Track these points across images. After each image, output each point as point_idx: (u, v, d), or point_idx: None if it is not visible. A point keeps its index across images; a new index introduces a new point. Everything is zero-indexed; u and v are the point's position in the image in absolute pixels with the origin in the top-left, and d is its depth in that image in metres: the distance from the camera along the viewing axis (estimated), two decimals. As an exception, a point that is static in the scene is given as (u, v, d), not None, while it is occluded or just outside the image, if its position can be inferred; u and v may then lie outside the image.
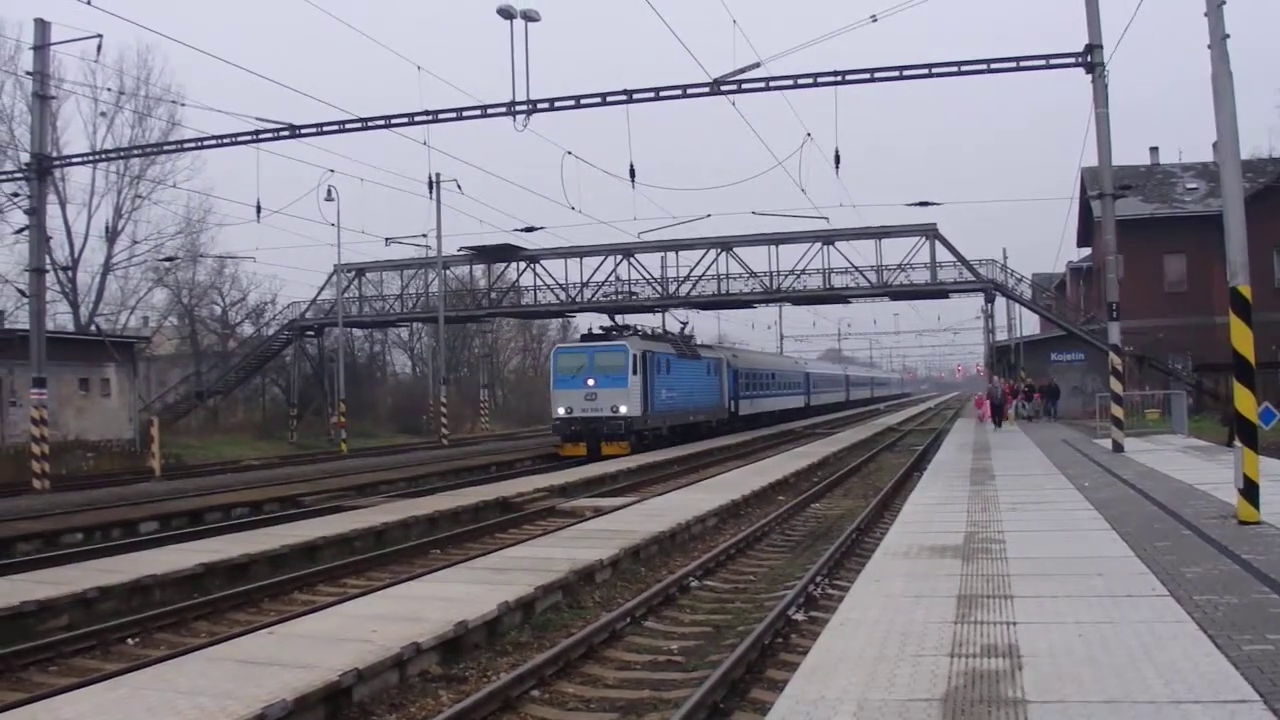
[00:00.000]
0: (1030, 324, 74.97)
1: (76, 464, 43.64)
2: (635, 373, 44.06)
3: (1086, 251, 72.54)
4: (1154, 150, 65.26)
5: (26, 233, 38.33)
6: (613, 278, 61.55)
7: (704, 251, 59.73)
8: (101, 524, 24.78)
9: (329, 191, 47.82)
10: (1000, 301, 64.34)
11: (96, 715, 9.25)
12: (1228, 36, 16.71)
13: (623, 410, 43.36)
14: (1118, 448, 30.54)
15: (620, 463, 38.76)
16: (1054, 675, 8.34)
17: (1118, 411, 31.10)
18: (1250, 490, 15.40)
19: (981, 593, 11.67)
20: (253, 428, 68.45)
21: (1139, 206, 57.15)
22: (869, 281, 57.72)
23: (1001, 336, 71.04)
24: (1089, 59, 29.61)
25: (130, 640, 14.05)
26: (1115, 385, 30.81)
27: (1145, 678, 8.16)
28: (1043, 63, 30.04)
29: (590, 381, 43.83)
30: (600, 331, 50.58)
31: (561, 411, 44.23)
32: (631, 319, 54.59)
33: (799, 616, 13.88)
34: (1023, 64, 30.16)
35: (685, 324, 61.69)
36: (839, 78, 30.62)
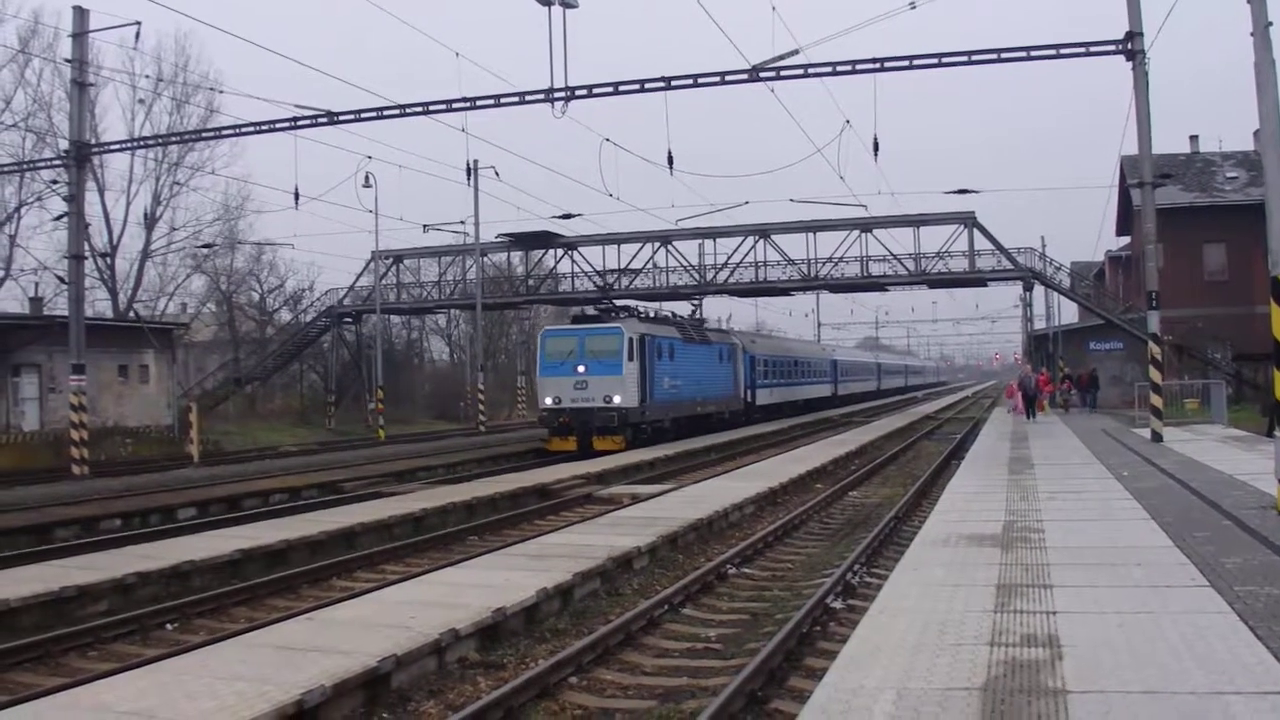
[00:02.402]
0: (1068, 313, 74.55)
1: (115, 450, 43.85)
2: (631, 358, 39.84)
3: (1126, 240, 72.17)
4: (1194, 138, 64.70)
5: (65, 219, 38.57)
6: (650, 265, 61.56)
7: (742, 239, 59.65)
8: (140, 510, 24.95)
9: (367, 178, 47.87)
10: (1039, 290, 64.03)
11: (136, 700, 9.29)
12: (1270, 24, 16.62)
13: (617, 400, 39.27)
14: (1157, 437, 30.39)
15: (653, 450, 38.09)
16: (1094, 665, 8.32)
17: (1157, 401, 30.95)
18: (1291, 480, 15.32)
19: (1021, 582, 11.65)
20: (291, 414, 68.70)
21: (1179, 195, 56.71)
22: (907, 269, 57.58)
23: (1040, 325, 70.67)
24: (1129, 46, 29.42)
25: (169, 625, 14.15)
26: (1154, 375, 30.67)
27: (1186, 668, 8.14)
28: (1082, 50, 29.87)
29: (581, 368, 39.85)
30: (594, 312, 45.67)
31: (549, 401, 40.46)
32: (661, 305, 53.89)
33: (837, 605, 13.88)
34: (1062, 51, 29.99)
35: (696, 307, 59.05)
36: (878, 65, 30.50)
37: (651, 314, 48.74)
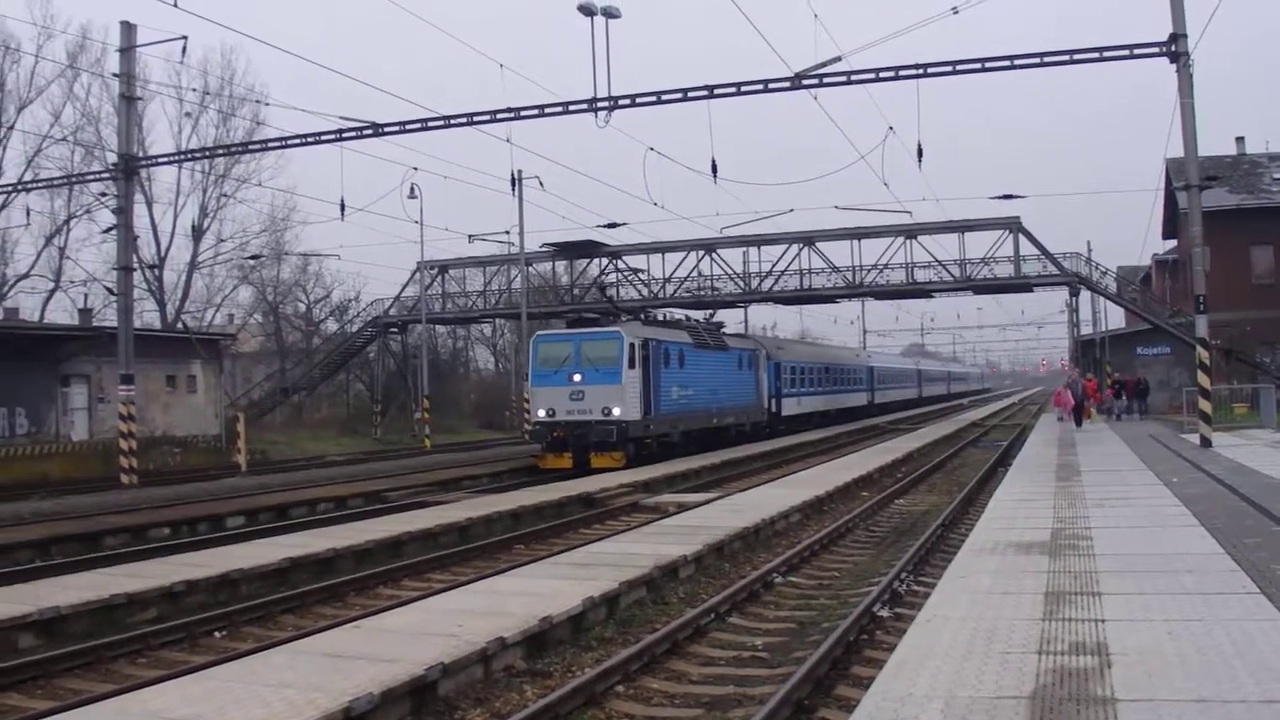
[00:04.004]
0: (1115, 317, 74.20)
1: (163, 459, 44.17)
2: (632, 366, 36.00)
3: (1172, 243, 71.69)
4: (1240, 140, 64.18)
5: (114, 232, 38.88)
6: (695, 273, 61.63)
7: (786, 246, 59.80)
8: (188, 518, 25.13)
9: (412, 189, 48.03)
10: (1085, 295, 63.68)
11: (184, 707, 9.34)
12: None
13: (616, 413, 35.33)
14: (1205, 443, 30.16)
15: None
16: (1143, 673, 8.28)
17: (1205, 406, 30.72)
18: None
19: (1069, 589, 11.59)
20: (337, 423, 69.07)
21: (1225, 197, 56.21)
22: (952, 275, 57.54)
23: (1086, 330, 70.32)
24: (1173, 48, 29.20)
25: (217, 633, 14.20)
26: (1203, 379, 30.44)
27: (1237, 676, 8.08)
28: (1126, 53, 29.67)
29: (576, 377, 35.91)
30: (592, 316, 42.05)
31: (541, 414, 36.46)
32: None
33: (884, 613, 13.83)
34: (1105, 54, 29.79)
35: (711, 314, 55.55)
36: (921, 70, 30.41)
37: (660, 317, 46.44)
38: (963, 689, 8.13)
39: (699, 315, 51.64)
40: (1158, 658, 8.69)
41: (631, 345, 36.15)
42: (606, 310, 42.41)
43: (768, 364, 53.02)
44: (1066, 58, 30.17)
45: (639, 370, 36.43)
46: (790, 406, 56.97)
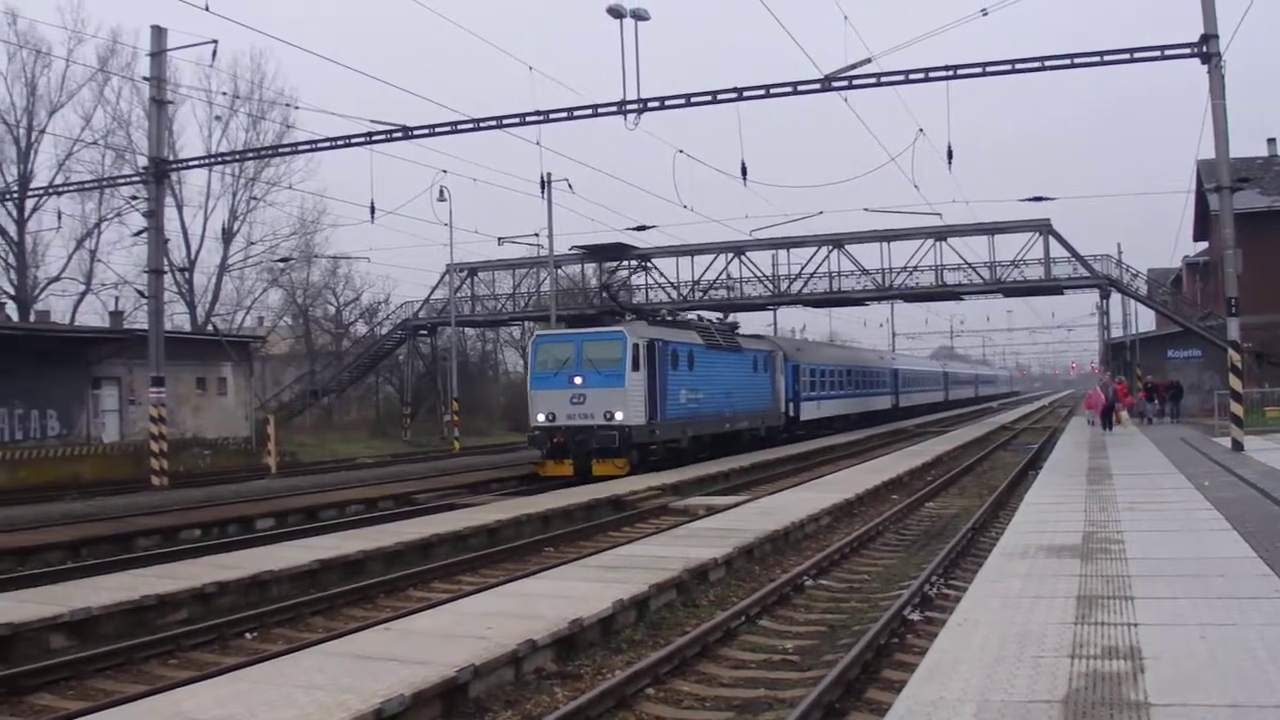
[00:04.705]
0: (1146, 320, 73.85)
1: (194, 461, 44.41)
2: (637, 368, 34.01)
3: (1203, 246, 71.36)
4: (1271, 141, 63.78)
5: (145, 235, 39.05)
6: (724, 276, 61.63)
7: (815, 249, 59.72)
8: (219, 520, 25.27)
9: (441, 192, 48.18)
10: (1115, 297, 63.45)
11: (216, 708, 9.37)
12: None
13: (619, 417, 33.29)
14: (1237, 446, 30.02)
15: (727, 461, 37.17)
16: (1176, 678, 8.25)
17: (1237, 409, 30.57)
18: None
19: (1101, 593, 11.56)
20: (366, 426, 69.30)
21: (1256, 199, 55.92)
22: (982, 278, 57.42)
23: (1117, 333, 70.05)
24: (1204, 49, 29.06)
25: (248, 635, 14.24)
26: (1235, 382, 30.29)
27: (1271, 681, 8.05)
28: (1157, 54, 29.54)
29: (577, 380, 33.92)
30: (595, 315, 40.78)
31: (541, 419, 34.55)
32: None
33: (914, 616, 13.79)
34: (1136, 55, 29.67)
35: (724, 315, 53.07)
36: (950, 72, 30.35)
37: (668, 317, 44.16)
38: (995, 693, 8.11)
39: (716, 317, 49.87)
40: (1190, 662, 8.66)
41: (635, 346, 34.18)
42: (616, 310, 40.51)
43: (785, 366, 51.28)
44: (1097, 59, 30.09)
45: (644, 372, 34.47)
46: (809, 410, 55.27)
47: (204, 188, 69.08)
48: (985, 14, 29.61)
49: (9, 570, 19.23)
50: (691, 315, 47.41)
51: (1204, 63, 29.21)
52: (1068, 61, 30.31)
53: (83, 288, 66.45)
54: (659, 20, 32.26)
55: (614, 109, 32.12)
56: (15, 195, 61.08)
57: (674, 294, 62.09)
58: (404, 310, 71.23)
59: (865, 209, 53.17)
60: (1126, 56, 29.76)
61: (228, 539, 23.06)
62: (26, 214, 63.01)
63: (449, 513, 25.41)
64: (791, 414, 51.87)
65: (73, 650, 13.03)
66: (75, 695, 11.54)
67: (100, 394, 48.47)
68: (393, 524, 23.58)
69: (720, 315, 51.58)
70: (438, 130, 34.31)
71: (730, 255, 61.10)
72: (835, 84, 30.72)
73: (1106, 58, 29.99)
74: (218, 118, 65.49)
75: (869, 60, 30.41)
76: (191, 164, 49.89)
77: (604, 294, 44.65)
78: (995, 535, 18.74)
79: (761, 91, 31.88)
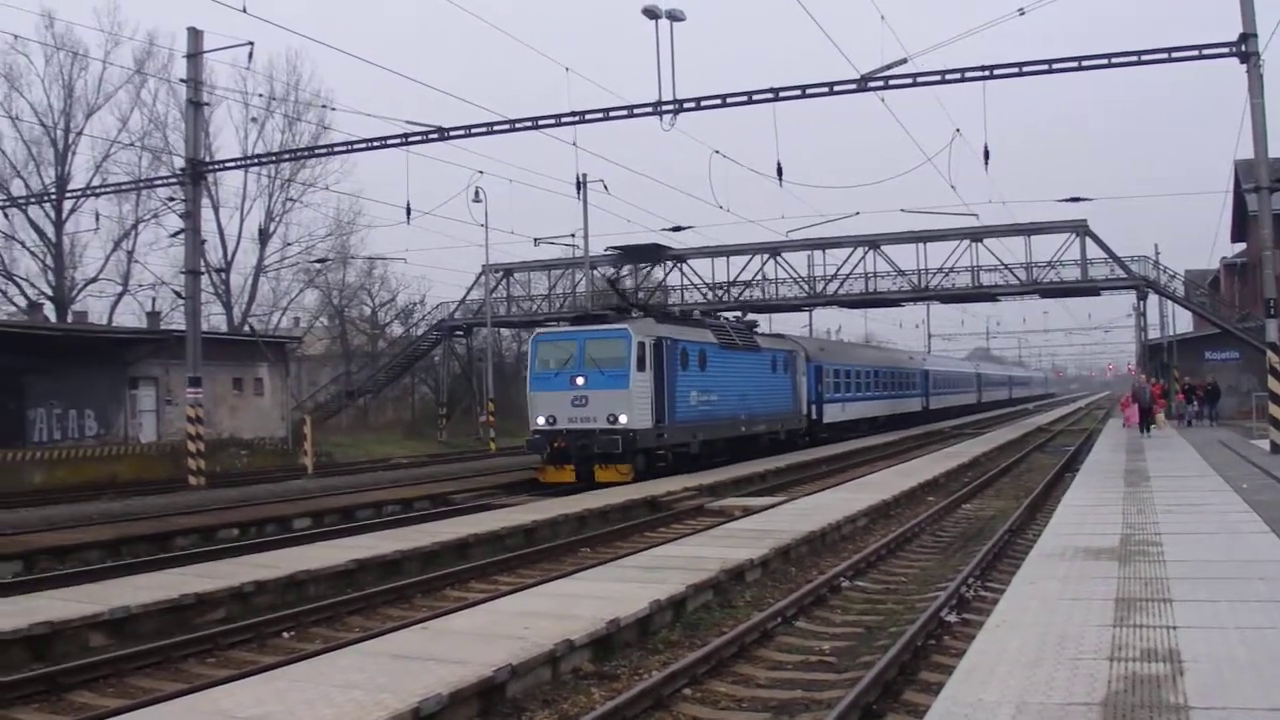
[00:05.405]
0: (1183, 322, 73.51)
1: (231, 461, 44.60)
2: (643, 368, 31.90)
3: (1241, 247, 71.00)
4: (1311, 141, 63.37)
5: (182, 236, 39.22)
6: (759, 276, 61.59)
7: (851, 250, 59.62)
8: (256, 520, 25.38)
9: (477, 193, 48.27)
10: (1152, 299, 63.13)
11: (254, 706, 9.41)
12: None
13: (623, 420, 31.27)
14: (1275, 449, 29.84)
15: (757, 464, 36.61)
16: (1216, 681, 8.21)
17: (1276, 411, 30.35)
18: None
19: (1139, 596, 11.52)
20: (402, 426, 69.50)
21: (1295, 199, 55.63)
22: (1018, 279, 57.27)
23: (1154, 334, 69.73)
24: (1243, 48, 28.92)
25: (285, 634, 14.30)
26: (1273, 384, 30.09)
27: (1312, 685, 8.01)
28: (1195, 53, 29.39)
29: (579, 380, 31.94)
30: (600, 312, 38.06)
31: (541, 421, 32.52)
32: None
33: (951, 618, 13.75)
34: (1174, 55, 29.52)
35: (742, 313, 52.54)
36: (987, 73, 30.24)
37: (678, 313, 42.13)
38: (1033, 695, 8.09)
39: (741, 316, 48.66)
40: (1230, 665, 8.62)
41: (641, 344, 32.03)
42: (624, 306, 37.60)
43: (807, 366, 48.69)
44: (1135, 58, 29.94)
45: (650, 372, 32.35)
46: (833, 413, 53.01)
47: (240, 189, 69.43)
48: (1022, 13, 29.54)
49: (48, 569, 19.41)
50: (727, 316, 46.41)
51: (1243, 62, 29.07)
52: (1105, 61, 30.17)
53: (120, 288, 66.90)
54: (694, 21, 32.27)
55: (650, 109, 32.11)
56: (53, 197, 61.45)
57: (708, 294, 62.04)
58: (440, 311, 71.43)
59: (901, 210, 53.08)
60: (1164, 56, 29.61)
61: (265, 539, 23.15)
62: (64, 216, 63.46)
63: (485, 513, 25.45)
64: (814, 417, 49.79)
65: (112, 648, 13.10)
66: (114, 693, 11.61)
67: (137, 394, 48.71)
68: (429, 524, 23.65)
69: (739, 314, 50.87)
70: (474, 131, 34.36)
71: (765, 256, 61.11)
72: (871, 84, 30.66)
73: (1144, 57, 29.85)
74: (254, 119, 65.87)
75: (905, 60, 30.36)
76: (228, 165, 50.16)
77: (613, 289, 42.29)
78: (1032, 537, 18.67)
79: (798, 92, 31.83)
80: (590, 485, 30.94)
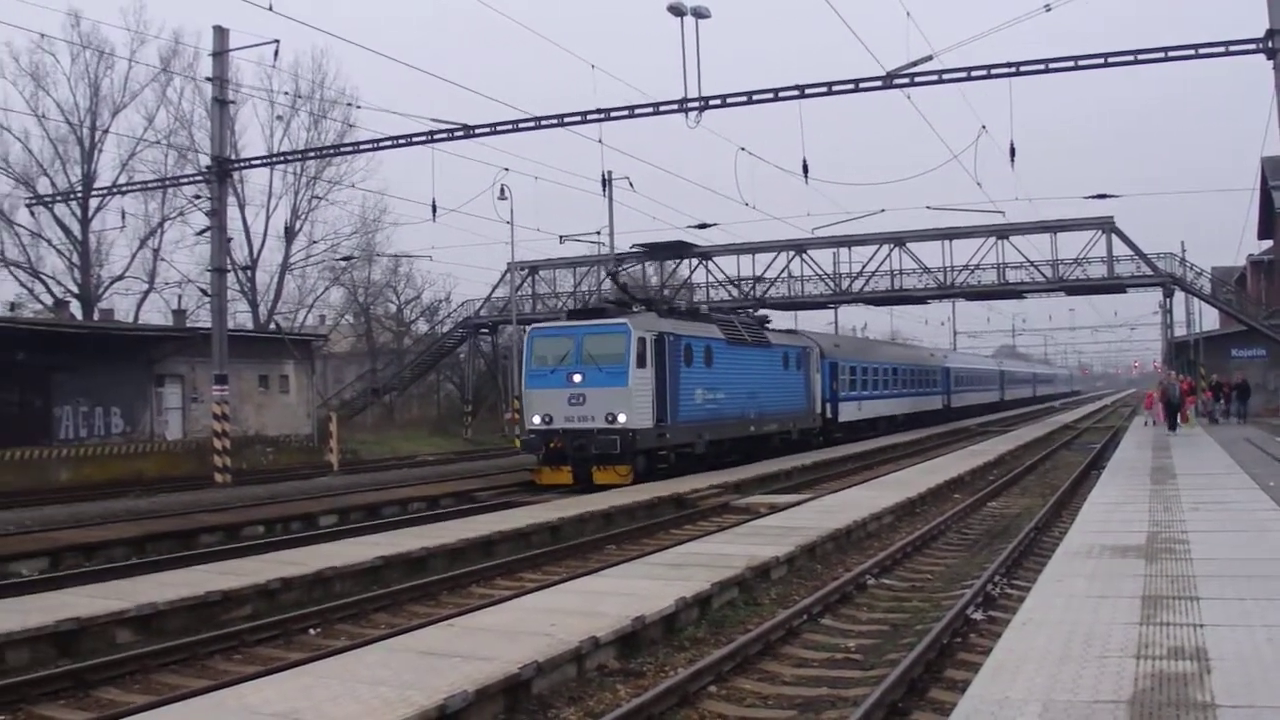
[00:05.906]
0: (1209, 319, 73.17)
1: (256, 458, 44.69)
2: (643, 364, 30.50)
3: (1268, 244, 70.69)
4: (1339, 138, 63.22)
5: (208, 234, 39.34)
6: (785, 274, 61.55)
7: (877, 247, 59.46)
8: (282, 517, 25.46)
9: (503, 190, 48.28)
10: (1179, 296, 62.86)
11: (281, 702, 9.45)
12: None
13: (622, 420, 29.89)
14: (1304, 446, 29.77)
15: (781, 461, 36.45)
16: (1243, 679, 8.20)
17: (1303, 409, 30.27)
18: None
19: (1166, 594, 11.49)
20: (428, 423, 69.52)
21: (1322, 196, 55.43)
22: (1044, 276, 57.05)
23: (1180, 332, 69.48)
24: (1270, 44, 28.77)
25: (312, 630, 14.35)
26: (1301, 382, 29.99)
27: (1341, 683, 7.99)
28: (1221, 50, 29.22)
29: (576, 378, 30.46)
30: (599, 306, 36.83)
31: (537, 421, 31.12)
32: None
33: (977, 616, 13.73)
34: (1201, 51, 29.37)
35: (753, 308, 52.57)
36: (1013, 69, 30.13)
37: (681, 307, 38.83)
38: (1060, 693, 8.08)
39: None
40: (1258, 664, 8.60)
41: (641, 340, 30.61)
42: (625, 300, 35.84)
43: (821, 363, 47.01)
44: (1161, 55, 29.78)
45: (651, 369, 30.94)
46: (848, 412, 51.30)
47: (266, 187, 69.54)
48: (1049, 9, 29.44)
49: (75, 565, 19.50)
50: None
51: (1269, 58, 28.91)
52: (1131, 58, 30.03)
53: (146, 286, 67.12)
54: (720, 18, 32.21)
55: (675, 107, 32.07)
56: (79, 195, 61.73)
57: (733, 291, 62.01)
58: (465, 308, 71.65)
59: (927, 207, 53.13)
60: (1191, 52, 29.47)
61: (291, 536, 23.24)
62: (90, 214, 63.69)
63: (511, 510, 25.46)
64: (829, 415, 48.07)
65: (139, 645, 13.17)
66: (141, 690, 11.68)
67: (164, 392, 48.95)
68: (454, 521, 23.69)
69: (750, 311, 50.42)
70: (499, 129, 34.36)
71: (791, 253, 60.97)
72: (897, 81, 30.58)
73: (1171, 53, 29.69)
74: (279, 117, 65.97)
75: (931, 57, 30.27)
76: (254, 163, 50.20)
77: (614, 283, 40.47)
78: (1058, 535, 18.64)
79: (824, 89, 31.75)
80: (589, 487, 29.88)
